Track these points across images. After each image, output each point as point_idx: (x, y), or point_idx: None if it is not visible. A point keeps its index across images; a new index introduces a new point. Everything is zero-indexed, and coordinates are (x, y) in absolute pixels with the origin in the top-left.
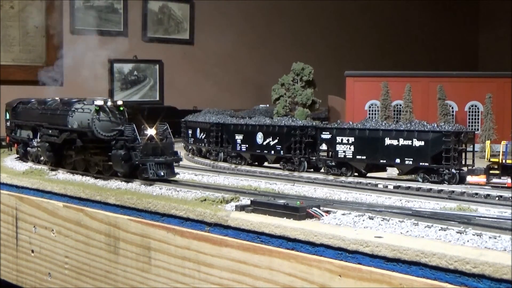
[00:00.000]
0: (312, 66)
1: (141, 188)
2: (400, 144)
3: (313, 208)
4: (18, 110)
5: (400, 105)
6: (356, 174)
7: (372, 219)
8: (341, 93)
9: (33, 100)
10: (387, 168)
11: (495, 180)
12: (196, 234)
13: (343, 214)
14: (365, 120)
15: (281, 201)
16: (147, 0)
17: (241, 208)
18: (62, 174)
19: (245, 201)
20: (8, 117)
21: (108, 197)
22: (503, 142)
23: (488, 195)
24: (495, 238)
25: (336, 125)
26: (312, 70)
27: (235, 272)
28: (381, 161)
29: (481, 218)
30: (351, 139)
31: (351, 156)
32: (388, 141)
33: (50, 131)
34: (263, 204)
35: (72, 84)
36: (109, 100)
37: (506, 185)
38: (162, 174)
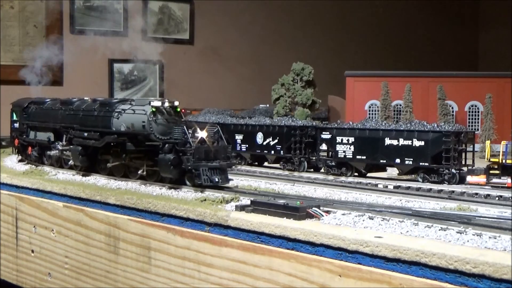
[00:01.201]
0: (312, 66)
1: (141, 188)
2: (400, 144)
3: (313, 208)
4: (31, 111)
5: (400, 105)
6: (356, 174)
7: (372, 219)
8: (341, 93)
9: (47, 100)
10: (387, 168)
11: (495, 180)
12: (196, 234)
13: (343, 214)
14: (365, 120)
15: (281, 201)
16: (147, 0)
17: (241, 208)
18: (62, 174)
19: (245, 201)
20: (15, 117)
21: (108, 197)
22: (503, 142)
23: (488, 195)
24: (495, 238)
25: (336, 125)
26: (312, 70)
27: (235, 272)
28: (381, 161)
29: (481, 218)
30: (351, 139)
31: (351, 156)
32: (388, 141)
33: (85, 134)
34: (263, 204)
35: (72, 84)
36: (166, 100)
37: (506, 185)
38: (216, 180)
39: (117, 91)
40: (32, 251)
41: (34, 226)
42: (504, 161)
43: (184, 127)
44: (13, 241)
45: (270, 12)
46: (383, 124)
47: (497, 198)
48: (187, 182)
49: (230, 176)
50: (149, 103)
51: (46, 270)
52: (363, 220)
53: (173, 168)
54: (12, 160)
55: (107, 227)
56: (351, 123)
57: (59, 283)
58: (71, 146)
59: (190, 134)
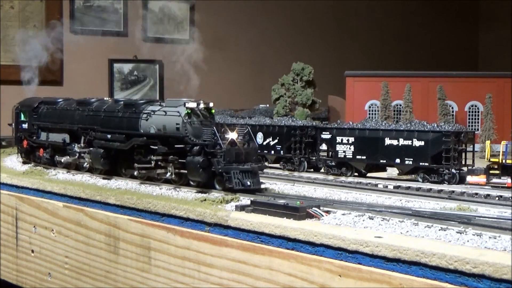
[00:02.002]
0: (312, 66)
1: (141, 188)
2: (400, 144)
3: (313, 208)
4: (41, 111)
5: (400, 105)
6: (356, 174)
7: (372, 219)
8: (341, 93)
9: (60, 99)
10: (387, 168)
11: (495, 180)
12: (196, 234)
13: (343, 214)
14: (365, 120)
15: (281, 201)
16: (147, 0)
17: (241, 208)
18: (62, 174)
19: (245, 201)
20: (23, 118)
21: (108, 197)
22: (503, 142)
23: (488, 195)
24: (495, 238)
25: (336, 125)
26: (312, 70)
27: (235, 272)
28: (381, 161)
29: (481, 218)
30: (351, 139)
31: (351, 156)
32: (388, 141)
33: (108, 136)
34: (263, 204)
35: (71, 84)
36: (201, 101)
37: (506, 185)
38: (248, 183)
39: (117, 91)
40: (32, 251)
41: (34, 226)
42: (504, 161)
43: (214, 128)
44: (13, 241)
45: (270, 12)
46: (383, 124)
47: (497, 198)
48: (217, 186)
49: None
50: (184, 105)
51: (46, 270)
52: (363, 220)
53: (202, 171)
54: (12, 160)
55: (107, 227)
56: (351, 123)
57: (59, 283)
58: (92, 149)
59: (220, 136)
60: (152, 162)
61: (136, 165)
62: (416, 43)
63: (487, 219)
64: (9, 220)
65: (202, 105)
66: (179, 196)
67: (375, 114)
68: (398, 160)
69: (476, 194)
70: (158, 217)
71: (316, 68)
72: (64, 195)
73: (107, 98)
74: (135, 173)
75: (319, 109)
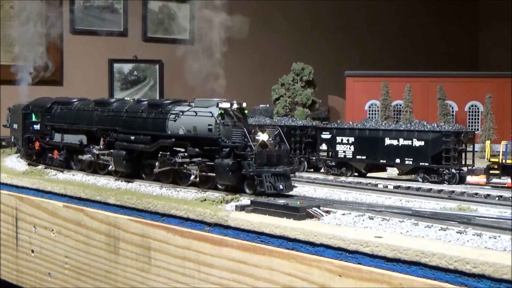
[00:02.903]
0: (312, 66)
1: (141, 188)
2: (400, 144)
3: (313, 208)
4: (55, 111)
5: (400, 105)
6: (356, 174)
7: (372, 219)
8: (341, 93)
9: (74, 100)
10: (387, 168)
11: (495, 180)
12: (196, 234)
13: (343, 214)
14: (365, 120)
15: (281, 201)
16: (147, 0)
17: (241, 208)
18: (62, 174)
19: (245, 201)
20: (35, 118)
21: (108, 197)
22: (503, 142)
23: (488, 195)
24: (495, 238)
25: (336, 125)
26: (312, 70)
27: (235, 272)
28: (381, 161)
29: (481, 218)
30: (351, 139)
31: (351, 156)
32: (388, 141)
33: (132, 137)
34: (263, 204)
35: (71, 84)
36: (235, 102)
37: (506, 185)
38: (281, 187)
39: (117, 91)
40: (32, 251)
41: (34, 226)
42: (504, 161)
43: (244, 129)
44: (13, 241)
45: (270, 12)
46: (383, 124)
47: (497, 198)
48: (247, 190)
49: None
50: (216, 105)
51: (46, 270)
52: (363, 220)
53: (231, 174)
54: (12, 160)
55: (107, 227)
56: (351, 123)
57: (59, 283)
58: (113, 151)
59: (251, 137)
60: (176, 165)
61: (156, 169)
62: (416, 43)
63: (487, 219)
64: (9, 220)
65: (235, 105)
66: (179, 196)
67: (375, 114)
68: (398, 160)
69: (476, 194)
70: (158, 217)
71: (316, 68)
72: (64, 195)
73: (128, 98)
74: (154, 173)
75: (319, 109)
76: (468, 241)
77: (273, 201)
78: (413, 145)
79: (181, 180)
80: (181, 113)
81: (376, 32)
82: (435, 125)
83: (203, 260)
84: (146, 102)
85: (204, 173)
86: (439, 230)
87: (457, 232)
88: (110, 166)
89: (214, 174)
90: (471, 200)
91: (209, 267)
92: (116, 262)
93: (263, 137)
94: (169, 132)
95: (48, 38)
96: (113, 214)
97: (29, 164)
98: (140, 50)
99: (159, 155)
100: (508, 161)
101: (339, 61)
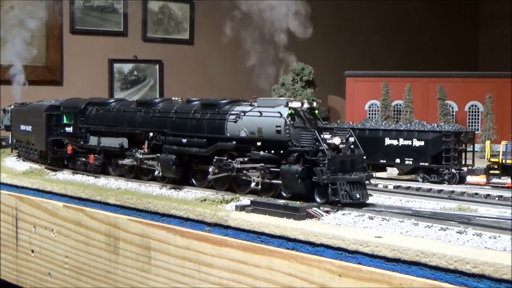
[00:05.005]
0: (312, 66)
1: (141, 188)
2: (400, 144)
3: (313, 208)
4: (90, 113)
5: (400, 105)
6: None
7: (372, 219)
8: (341, 93)
9: (111, 100)
10: (387, 168)
11: (495, 180)
12: (196, 234)
13: (343, 214)
14: (365, 120)
15: (281, 201)
16: (147, 0)
17: (241, 208)
18: (62, 174)
19: (245, 201)
20: (66, 121)
21: (108, 197)
22: (503, 142)
23: (488, 195)
24: (495, 238)
25: (336, 125)
26: (312, 70)
27: (235, 272)
28: (381, 161)
29: (481, 218)
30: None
31: None
32: (388, 141)
33: (183, 140)
34: (263, 204)
35: (71, 84)
36: (306, 101)
37: (506, 185)
38: (358, 196)
39: (117, 91)
40: (32, 251)
41: (34, 226)
42: (504, 161)
43: (316, 132)
44: (13, 241)
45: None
46: (383, 124)
47: (497, 198)
48: (317, 199)
49: None
50: (286, 104)
51: (46, 270)
52: (363, 220)
53: (300, 182)
54: (12, 160)
55: (107, 227)
56: (351, 123)
57: (59, 283)
58: (160, 155)
59: (324, 140)
60: (234, 171)
61: (210, 175)
62: (416, 43)
63: (487, 219)
64: (9, 220)
65: (306, 105)
66: (179, 196)
67: (375, 114)
68: (398, 160)
69: (476, 194)
70: (158, 217)
71: (316, 68)
72: (64, 195)
73: (175, 98)
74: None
75: (319, 109)
76: (468, 241)
77: (273, 201)
78: (413, 145)
79: (239, 187)
80: (242, 114)
81: (376, 32)
82: (435, 125)
83: (203, 260)
84: (198, 101)
85: (268, 180)
86: (439, 230)
87: (457, 232)
88: (157, 172)
89: (278, 181)
90: (471, 200)
91: (209, 267)
92: (116, 262)
93: (335, 140)
94: (228, 135)
95: (48, 38)
96: (113, 214)
97: (53, 170)
98: (140, 50)
99: (214, 160)
100: (508, 161)
101: (339, 61)
